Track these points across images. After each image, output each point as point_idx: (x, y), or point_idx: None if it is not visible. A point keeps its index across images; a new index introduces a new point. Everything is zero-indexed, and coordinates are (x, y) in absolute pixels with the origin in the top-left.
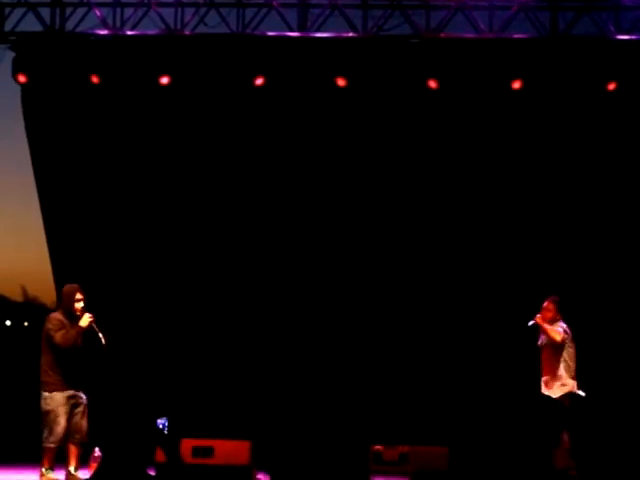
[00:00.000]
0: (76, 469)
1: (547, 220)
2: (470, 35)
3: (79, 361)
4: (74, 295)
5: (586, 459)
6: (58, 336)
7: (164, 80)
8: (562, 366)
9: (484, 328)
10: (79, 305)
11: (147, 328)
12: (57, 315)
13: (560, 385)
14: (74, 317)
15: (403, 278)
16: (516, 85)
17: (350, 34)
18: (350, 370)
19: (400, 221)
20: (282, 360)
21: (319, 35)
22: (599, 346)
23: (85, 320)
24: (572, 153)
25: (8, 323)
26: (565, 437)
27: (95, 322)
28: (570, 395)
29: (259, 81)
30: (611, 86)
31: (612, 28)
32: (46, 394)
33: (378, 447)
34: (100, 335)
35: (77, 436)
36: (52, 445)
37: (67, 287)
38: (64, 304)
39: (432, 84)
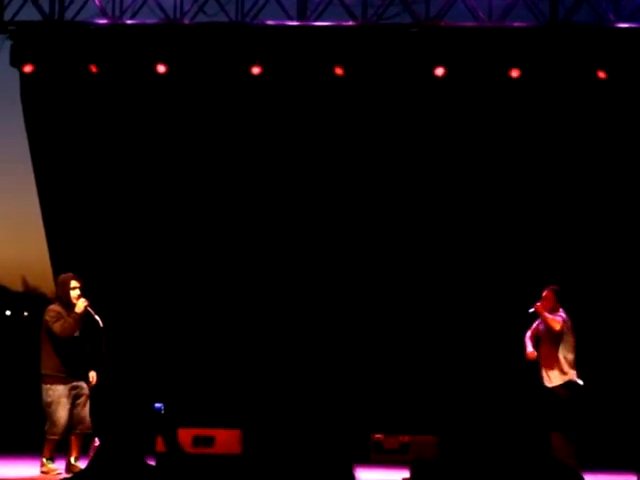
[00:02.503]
0: (77, 459)
1: (547, 209)
2: (470, 23)
3: (79, 351)
4: (69, 284)
5: (586, 446)
6: (57, 326)
7: (161, 69)
8: (561, 355)
9: (483, 318)
10: (75, 293)
11: (146, 318)
12: (54, 306)
13: (559, 374)
14: (71, 305)
15: (402, 268)
16: (515, 74)
17: (350, 23)
18: (350, 360)
19: (399, 211)
20: (282, 351)
21: (318, 24)
22: (599, 336)
23: (80, 306)
24: (573, 142)
25: (8, 313)
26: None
27: (90, 306)
28: (569, 383)
29: (256, 70)
30: (601, 74)
31: (612, 16)
32: (47, 386)
33: (378, 436)
34: (97, 318)
35: (79, 427)
36: (54, 437)
37: (61, 277)
38: (59, 294)
39: (438, 71)
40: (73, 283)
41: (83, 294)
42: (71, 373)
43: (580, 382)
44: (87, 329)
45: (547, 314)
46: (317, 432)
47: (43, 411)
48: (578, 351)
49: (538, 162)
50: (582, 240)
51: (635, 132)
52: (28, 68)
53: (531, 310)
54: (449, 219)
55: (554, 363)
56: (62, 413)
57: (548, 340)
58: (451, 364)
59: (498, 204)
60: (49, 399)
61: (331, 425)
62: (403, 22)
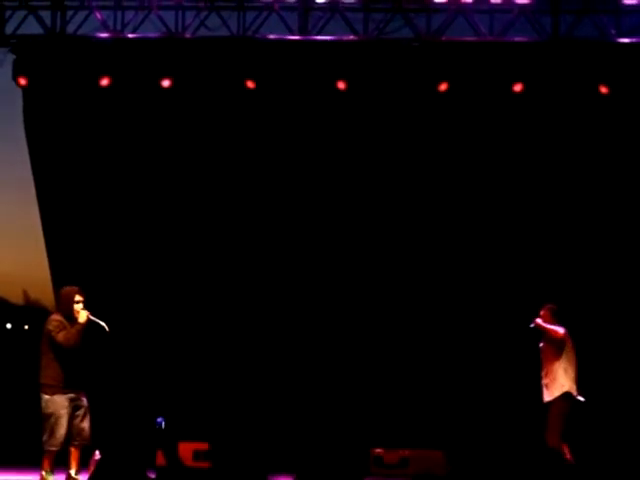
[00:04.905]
0: (77, 472)
1: (549, 223)
2: (471, 38)
3: (80, 363)
4: (73, 297)
5: (586, 461)
6: (60, 336)
7: (165, 83)
8: (561, 368)
9: (483, 333)
10: (78, 307)
11: (146, 332)
12: (57, 316)
13: (558, 386)
14: (73, 319)
15: (404, 282)
16: (517, 88)
17: (351, 37)
18: (351, 374)
19: (397, 224)
20: (283, 364)
21: (320, 38)
22: (597, 352)
23: (83, 316)
24: (574, 156)
25: (9, 326)
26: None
27: (92, 314)
28: (567, 395)
29: (256, 84)
30: (603, 89)
31: (613, 31)
32: (47, 397)
33: (379, 450)
34: (102, 324)
35: (78, 439)
36: (53, 448)
37: (66, 289)
38: (63, 306)
39: (441, 87)
40: (78, 297)
41: (85, 308)
42: (71, 384)
43: (581, 399)
44: (91, 339)
45: (547, 325)
46: (318, 445)
47: (42, 421)
48: (578, 367)
49: (540, 176)
50: (582, 255)
51: (637, 147)
52: (29, 81)
53: (532, 325)
54: (453, 231)
55: (554, 377)
56: (61, 424)
57: (549, 353)
58: (451, 378)
59: (501, 218)
60: (49, 410)
61: (332, 439)
62: (404, 37)
